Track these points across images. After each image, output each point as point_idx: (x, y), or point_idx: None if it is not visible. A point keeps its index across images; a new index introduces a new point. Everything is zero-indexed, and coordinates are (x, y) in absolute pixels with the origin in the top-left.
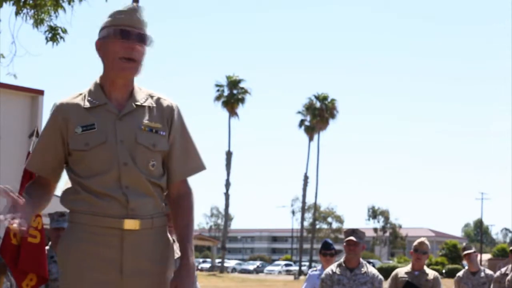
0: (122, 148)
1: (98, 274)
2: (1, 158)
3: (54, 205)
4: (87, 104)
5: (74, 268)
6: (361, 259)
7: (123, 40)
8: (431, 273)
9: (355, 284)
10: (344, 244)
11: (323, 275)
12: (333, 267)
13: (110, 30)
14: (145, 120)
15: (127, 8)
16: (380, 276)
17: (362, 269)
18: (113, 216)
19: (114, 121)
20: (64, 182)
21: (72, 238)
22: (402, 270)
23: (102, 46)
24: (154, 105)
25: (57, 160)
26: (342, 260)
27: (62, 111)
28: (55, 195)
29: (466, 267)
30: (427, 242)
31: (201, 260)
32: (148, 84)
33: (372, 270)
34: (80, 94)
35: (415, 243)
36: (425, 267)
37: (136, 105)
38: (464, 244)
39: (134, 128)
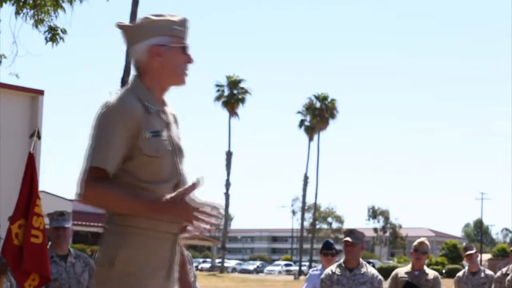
0: (177, 157)
1: (159, 274)
2: (1, 158)
3: (54, 205)
4: (147, 109)
5: (143, 269)
6: (360, 259)
7: (184, 54)
8: (431, 273)
9: (354, 284)
10: (343, 245)
11: (322, 275)
12: (332, 267)
13: (173, 40)
14: (178, 129)
15: (184, 21)
16: (380, 276)
17: (362, 269)
18: (170, 221)
19: (165, 128)
20: None
21: (137, 241)
22: (402, 270)
23: (162, 53)
24: (174, 112)
25: (120, 161)
26: (342, 260)
27: (132, 113)
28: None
29: (466, 267)
30: (427, 242)
31: (201, 260)
32: None
33: (372, 270)
34: (131, 95)
35: (415, 243)
36: (425, 267)
37: (173, 114)
38: (465, 244)
39: (177, 137)
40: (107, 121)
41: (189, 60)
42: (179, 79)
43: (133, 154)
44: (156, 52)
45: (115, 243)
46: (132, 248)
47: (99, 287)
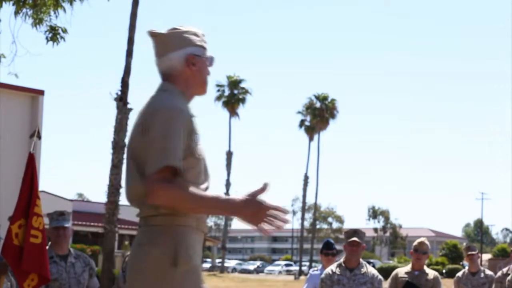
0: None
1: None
2: (1, 158)
3: (54, 205)
4: (191, 113)
5: (198, 267)
6: (360, 259)
7: (209, 66)
8: (431, 273)
9: (354, 284)
10: (345, 244)
11: (322, 275)
12: (332, 267)
13: (204, 52)
14: None
15: (204, 35)
16: (380, 276)
17: (362, 269)
18: (206, 221)
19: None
20: None
21: (191, 240)
22: (402, 270)
23: (196, 62)
24: None
25: None
26: (342, 260)
27: (188, 115)
28: (55, 195)
29: (466, 267)
30: (427, 242)
31: None
32: (149, 84)
33: (372, 270)
34: (178, 99)
35: (415, 243)
36: (425, 267)
37: None
38: (466, 243)
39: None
40: (170, 122)
41: (209, 73)
42: (204, 89)
43: (186, 155)
44: (192, 61)
45: (175, 243)
46: (189, 247)
47: (160, 285)
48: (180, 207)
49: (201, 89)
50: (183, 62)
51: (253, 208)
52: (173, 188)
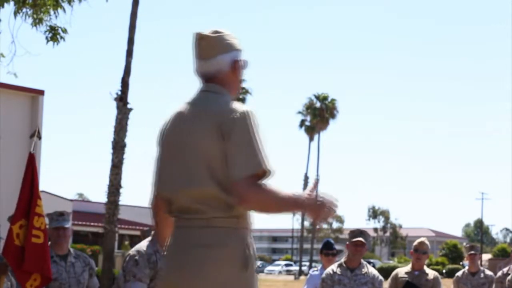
0: None
1: None
2: (1, 158)
3: (54, 205)
4: None
5: (256, 266)
6: (362, 260)
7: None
8: (431, 273)
9: (355, 284)
10: (348, 243)
11: (323, 275)
12: (333, 267)
13: (243, 57)
14: None
15: None
16: (381, 277)
17: (363, 270)
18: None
19: None
20: None
21: (252, 243)
22: (402, 270)
23: (239, 67)
24: None
25: None
26: (343, 260)
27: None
28: (55, 195)
29: (466, 267)
30: (427, 242)
31: None
32: (149, 84)
33: (373, 270)
34: (237, 102)
35: (415, 243)
36: (425, 267)
37: None
38: (470, 243)
39: None
40: (252, 126)
41: None
42: (238, 93)
43: None
44: (237, 66)
45: (243, 246)
46: (252, 250)
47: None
48: (267, 209)
49: (237, 92)
50: (229, 66)
51: (316, 205)
52: (263, 192)
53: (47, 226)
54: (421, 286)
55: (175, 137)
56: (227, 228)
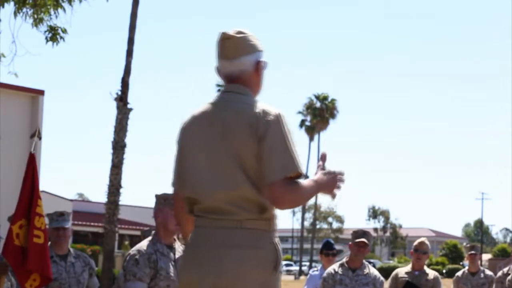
0: None
1: None
2: (1, 158)
3: (54, 205)
4: None
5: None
6: (363, 260)
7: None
8: (431, 273)
9: (357, 284)
10: (351, 244)
11: (325, 275)
12: (335, 267)
13: (264, 58)
14: None
15: None
16: (382, 278)
17: (365, 270)
18: None
19: None
20: None
21: (279, 242)
22: (403, 270)
23: (263, 68)
24: None
25: None
26: (344, 260)
27: None
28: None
29: (466, 267)
30: (427, 242)
31: None
32: (149, 84)
33: (374, 271)
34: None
35: (416, 243)
36: (425, 267)
37: None
38: (468, 243)
39: None
40: (285, 127)
41: None
42: (259, 94)
43: None
44: (260, 67)
45: (275, 248)
46: (278, 252)
47: None
48: (298, 205)
49: (259, 93)
50: (253, 67)
51: (334, 180)
52: (298, 191)
53: (47, 226)
54: (421, 286)
55: (205, 138)
56: (260, 230)
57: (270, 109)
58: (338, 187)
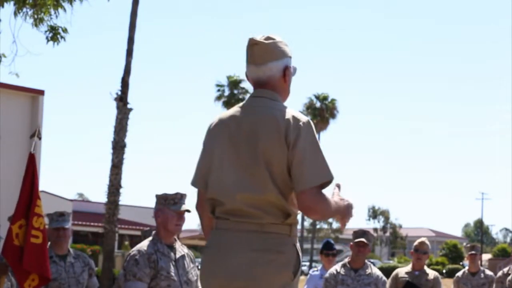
0: None
1: None
2: (1, 158)
3: (54, 205)
4: None
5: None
6: (365, 260)
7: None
8: (431, 273)
9: (359, 284)
10: (352, 244)
11: (327, 275)
12: (337, 267)
13: (292, 64)
14: None
15: None
16: (384, 278)
17: (367, 270)
18: None
19: None
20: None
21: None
22: (403, 270)
23: (290, 74)
24: None
25: None
26: (346, 260)
27: None
28: (55, 195)
29: (466, 267)
30: (427, 242)
31: None
32: (149, 84)
33: (376, 271)
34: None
35: (416, 243)
36: (426, 267)
37: None
38: (470, 243)
39: None
40: (315, 134)
41: None
42: (287, 99)
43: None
44: (289, 73)
45: (296, 253)
46: (300, 257)
47: None
48: (324, 218)
49: (287, 99)
50: (281, 73)
51: (346, 208)
52: (327, 201)
53: (47, 226)
54: (421, 286)
55: (231, 141)
56: (283, 234)
57: (300, 116)
58: (350, 217)
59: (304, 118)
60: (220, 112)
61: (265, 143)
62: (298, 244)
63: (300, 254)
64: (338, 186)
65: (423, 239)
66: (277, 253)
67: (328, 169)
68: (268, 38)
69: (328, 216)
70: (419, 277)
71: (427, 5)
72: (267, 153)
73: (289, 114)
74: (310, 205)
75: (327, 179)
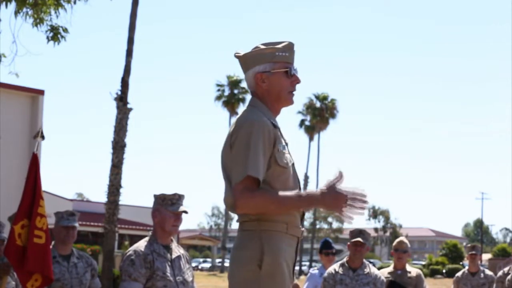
0: (296, 171)
1: (289, 272)
2: (1, 158)
3: (54, 205)
4: (274, 125)
5: (284, 269)
6: (364, 260)
7: (288, 77)
8: (413, 271)
9: (357, 284)
10: (349, 244)
11: (325, 274)
12: (335, 267)
13: (275, 66)
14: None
15: (288, 45)
16: (383, 277)
17: (365, 270)
18: (298, 226)
19: (286, 144)
20: None
21: (279, 245)
22: (385, 271)
23: (266, 79)
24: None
25: (265, 171)
26: (345, 259)
27: (269, 127)
28: (55, 195)
29: (466, 267)
30: (406, 241)
31: (201, 260)
32: (149, 84)
33: (375, 270)
34: (260, 112)
35: (395, 243)
36: (407, 265)
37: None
38: (468, 243)
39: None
40: (252, 135)
41: (295, 81)
42: (286, 101)
43: (270, 165)
44: (260, 79)
45: (261, 247)
46: (276, 251)
47: (247, 286)
48: (266, 212)
49: (280, 102)
50: (253, 80)
51: (332, 197)
52: (254, 196)
53: (53, 225)
54: (405, 284)
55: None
56: (249, 231)
57: (245, 120)
58: (362, 208)
59: (246, 121)
60: (220, 112)
61: (223, 150)
62: (269, 239)
63: (269, 246)
64: (339, 174)
65: (401, 238)
66: (242, 249)
67: (250, 165)
68: (254, 47)
69: (263, 210)
70: (402, 275)
71: (427, 5)
72: (224, 159)
73: (240, 119)
74: (232, 201)
75: (246, 174)
